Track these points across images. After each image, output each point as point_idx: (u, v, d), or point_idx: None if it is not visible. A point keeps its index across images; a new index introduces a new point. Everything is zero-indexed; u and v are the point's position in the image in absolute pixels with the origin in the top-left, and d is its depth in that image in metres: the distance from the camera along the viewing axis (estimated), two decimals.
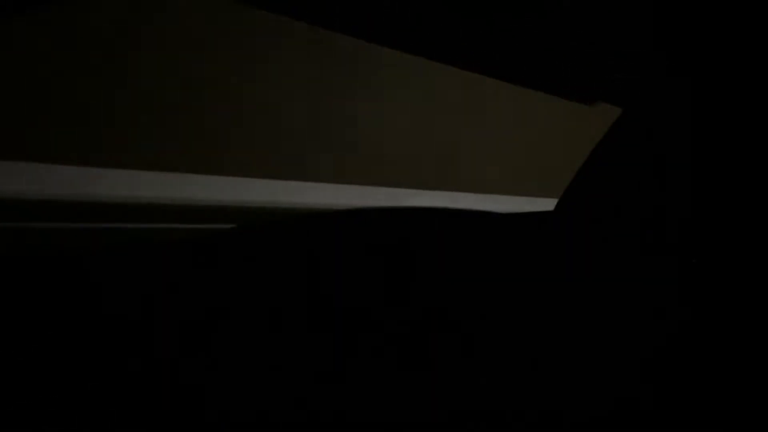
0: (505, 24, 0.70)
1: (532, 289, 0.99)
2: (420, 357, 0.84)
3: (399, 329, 0.82)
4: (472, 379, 0.89)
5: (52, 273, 0.61)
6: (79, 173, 1.26)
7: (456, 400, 0.86)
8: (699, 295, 0.95)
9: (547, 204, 1.11)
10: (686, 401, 0.83)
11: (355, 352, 0.77)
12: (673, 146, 1.03)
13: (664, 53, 0.82)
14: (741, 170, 0.97)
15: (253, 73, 1.49)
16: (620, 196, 1.08)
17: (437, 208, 0.97)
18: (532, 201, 1.93)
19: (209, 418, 0.65)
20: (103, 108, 1.30)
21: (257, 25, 1.40)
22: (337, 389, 0.74)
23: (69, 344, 0.59)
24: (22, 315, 0.57)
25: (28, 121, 1.23)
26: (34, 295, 0.58)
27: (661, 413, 0.81)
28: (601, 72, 0.86)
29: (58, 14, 1.17)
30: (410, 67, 1.61)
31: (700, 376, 0.86)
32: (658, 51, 0.81)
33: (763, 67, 0.84)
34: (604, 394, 0.89)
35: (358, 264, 0.81)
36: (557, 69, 0.84)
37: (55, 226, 1.18)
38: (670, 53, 0.82)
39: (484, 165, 2.04)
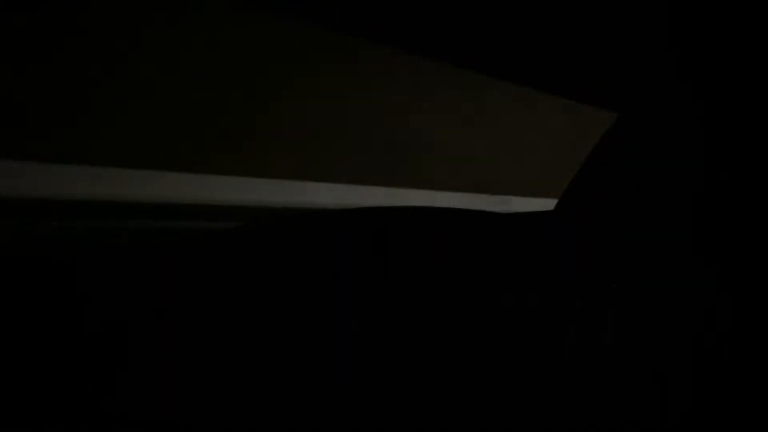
0: (505, 24, 0.70)
1: (532, 288, 0.99)
2: (415, 359, 0.84)
3: (395, 331, 0.82)
4: (469, 381, 0.89)
5: (51, 272, 0.61)
6: (78, 173, 1.26)
7: (452, 404, 0.86)
8: (702, 295, 0.94)
9: (547, 204, 1.11)
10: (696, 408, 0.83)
11: (353, 352, 0.77)
12: (673, 146, 1.03)
13: (665, 53, 0.82)
14: (741, 171, 0.97)
15: (253, 73, 1.49)
16: (620, 196, 1.08)
17: (437, 207, 0.97)
18: (532, 201, 1.93)
19: (208, 419, 0.65)
20: (103, 107, 1.30)
21: (255, 26, 1.40)
22: (334, 392, 0.74)
23: (66, 345, 0.59)
24: (18, 315, 0.57)
25: (28, 121, 1.23)
26: (31, 295, 0.58)
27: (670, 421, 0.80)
28: (602, 72, 0.86)
29: (59, 14, 1.17)
30: (410, 67, 1.61)
31: (711, 382, 0.86)
32: (659, 51, 0.81)
33: (763, 68, 0.84)
34: (605, 398, 0.89)
35: (357, 263, 0.81)
36: (557, 69, 0.84)
37: (55, 226, 1.18)
38: (670, 53, 0.82)
39: (484, 165, 2.04)
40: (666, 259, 1.01)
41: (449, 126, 1.94)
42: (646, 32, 0.75)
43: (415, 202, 1.80)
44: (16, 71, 1.17)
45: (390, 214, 0.93)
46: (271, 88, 1.52)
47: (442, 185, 1.92)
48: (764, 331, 0.88)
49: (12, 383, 0.53)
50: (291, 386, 0.71)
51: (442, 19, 0.64)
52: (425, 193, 1.88)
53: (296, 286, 0.75)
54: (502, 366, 0.94)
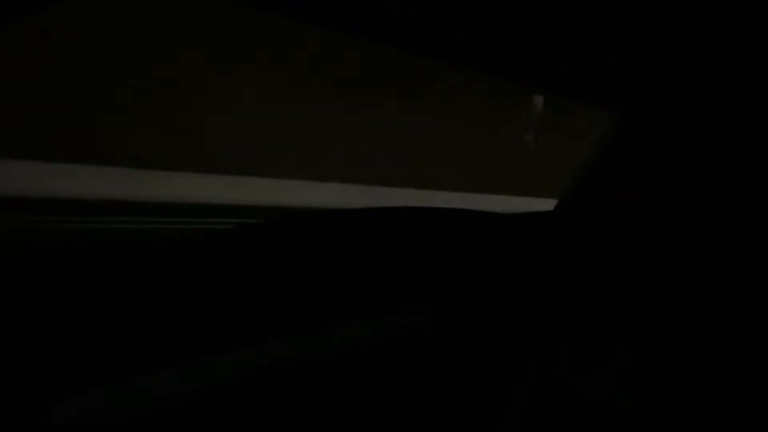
0: (505, 24, 0.70)
1: (532, 288, 0.99)
2: (417, 359, 0.84)
3: (396, 330, 0.82)
4: (470, 376, 0.89)
5: (50, 271, 0.61)
6: (78, 172, 1.26)
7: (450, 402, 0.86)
8: (694, 289, 0.94)
9: (547, 204, 1.11)
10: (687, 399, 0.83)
11: (351, 353, 0.77)
12: (673, 147, 1.03)
13: (665, 54, 0.82)
14: (740, 172, 0.97)
15: (251, 72, 1.49)
16: (620, 196, 1.08)
17: (437, 207, 0.97)
18: (532, 201, 1.92)
19: (205, 419, 0.65)
20: (102, 107, 1.30)
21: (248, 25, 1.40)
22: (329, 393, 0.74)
23: (66, 344, 0.59)
24: (18, 315, 0.57)
25: (28, 121, 1.23)
26: (30, 293, 0.58)
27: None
28: (601, 72, 0.86)
29: (58, 14, 1.17)
30: (409, 67, 1.61)
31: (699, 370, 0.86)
32: (659, 51, 0.81)
33: (763, 69, 0.84)
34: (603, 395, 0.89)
35: (357, 263, 0.81)
36: (557, 69, 0.84)
37: (55, 225, 1.18)
38: (670, 54, 0.82)
39: (484, 165, 2.04)
40: (665, 259, 1.01)
41: (449, 126, 1.94)
42: (646, 32, 0.75)
43: (414, 202, 1.80)
44: (16, 70, 1.17)
45: (390, 214, 0.93)
46: (276, 89, 1.52)
47: (443, 185, 1.92)
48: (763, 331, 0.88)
49: (12, 383, 0.53)
50: (285, 387, 0.72)
51: (441, 19, 0.64)
52: (425, 192, 1.88)
53: (296, 287, 0.75)
54: (501, 365, 0.94)
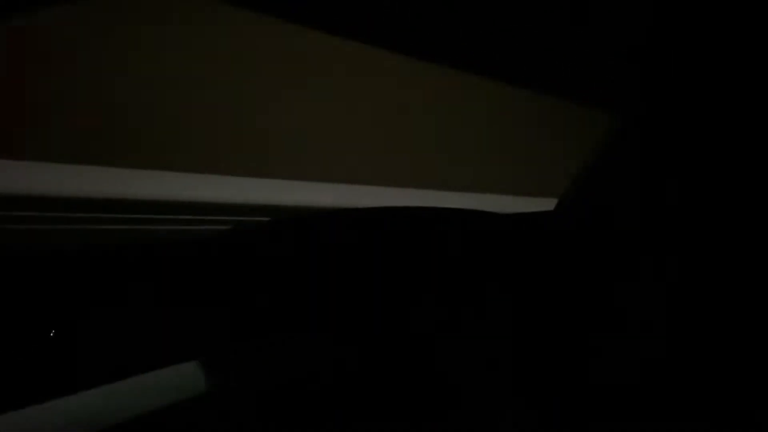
0: (505, 24, 0.70)
1: (533, 288, 0.99)
2: (421, 360, 0.84)
3: (396, 330, 0.82)
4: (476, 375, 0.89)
5: (50, 271, 0.61)
6: (77, 172, 1.26)
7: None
8: (698, 295, 0.94)
9: (547, 204, 1.11)
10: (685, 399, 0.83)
11: (351, 352, 0.77)
12: (673, 147, 1.03)
13: (665, 53, 0.82)
14: (740, 172, 0.97)
15: (250, 73, 1.49)
16: (621, 197, 1.08)
17: (438, 207, 0.97)
18: (532, 201, 1.92)
19: (202, 419, 0.65)
20: (101, 107, 1.30)
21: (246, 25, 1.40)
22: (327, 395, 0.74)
23: (65, 344, 0.59)
24: (18, 314, 0.57)
25: (28, 121, 1.23)
26: (31, 294, 0.58)
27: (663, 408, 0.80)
28: (601, 72, 0.86)
29: (58, 14, 1.17)
30: (407, 68, 1.61)
31: (696, 378, 0.86)
32: (659, 51, 0.81)
33: (762, 71, 0.84)
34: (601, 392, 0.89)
35: (356, 263, 0.81)
36: (557, 69, 0.84)
37: (55, 225, 1.18)
38: (670, 53, 0.82)
39: (484, 165, 2.04)
40: (665, 259, 1.01)
41: (449, 126, 1.94)
42: (645, 32, 0.75)
43: (414, 202, 1.80)
44: (16, 70, 1.17)
45: (390, 214, 0.93)
46: (264, 88, 1.52)
47: (443, 185, 1.92)
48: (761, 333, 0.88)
49: (13, 382, 0.53)
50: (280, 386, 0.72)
51: (440, 20, 0.64)
52: (425, 192, 1.88)
53: (296, 287, 0.75)
54: (501, 365, 0.94)
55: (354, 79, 1.67)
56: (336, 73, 1.63)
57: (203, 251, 0.72)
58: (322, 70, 1.59)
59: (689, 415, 0.87)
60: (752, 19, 0.73)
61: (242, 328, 0.69)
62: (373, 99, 1.72)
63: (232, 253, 0.74)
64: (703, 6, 0.70)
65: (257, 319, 0.70)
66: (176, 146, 1.41)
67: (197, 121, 1.43)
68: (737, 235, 0.96)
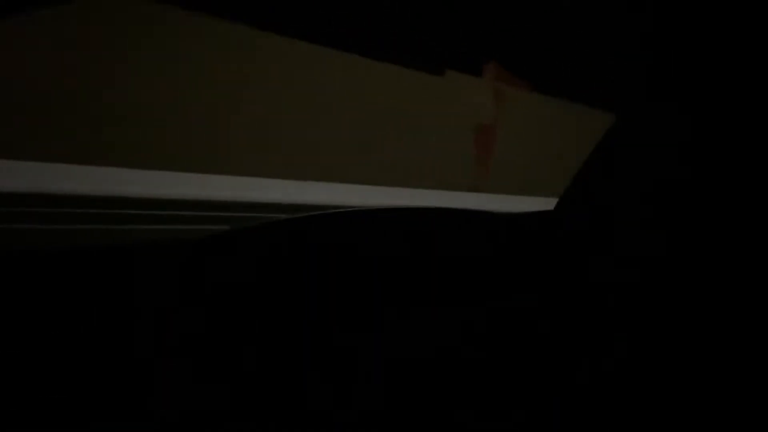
0: (504, 24, 0.70)
1: (533, 288, 0.99)
2: (419, 359, 0.84)
3: (397, 329, 0.82)
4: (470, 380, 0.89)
5: (50, 270, 0.61)
6: (76, 172, 1.26)
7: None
8: (699, 291, 0.94)
9: (547, 204, 1.11)
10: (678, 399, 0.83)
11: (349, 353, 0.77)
12: (673, 147, 1.03)
13: (665, 53, 0.82)
14: (741, 172, 0.97)
15: (249, 73, 1.49)
16: (620, 196, 1.08)
17: (438, 207, 0.97)
18: (532, 201, 1.92)
19: (200, 417, 0.65)
20: (101, 107, 1.30)
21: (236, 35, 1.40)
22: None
23: (65, 344, 0.59)
24: (18, 314, 0.57)
25: (28, 121, 1.23)
26: (31, 293, 0.58)
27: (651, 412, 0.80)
28: (601, 72, 0.86)
29: (58, 14, 1.17)
30: (407, 69, 1.61)
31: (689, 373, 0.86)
32: (659, 51, 0.81)
33: (762, 71, 0.84)
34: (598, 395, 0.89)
35: (356, 263, 0.81)
36: (557, 69, 0.84)
37: (56, 225, 1.18)
38: (670, 53, 0.82)
39: (484, 165, 2.04)
40: (665, 259, 1.01)
41: (449, 126, 1.94)
42: (645, 32, 0.75)
43: (414, 202, 1.80)
44: (16, 70, 1.17)
45: (390, 214, 0.93)
46: (264, 88, 1.52)
47: (443, 185, 1.92)
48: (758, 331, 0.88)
49: (13, 382, 0.53)
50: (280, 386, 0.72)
51: (440, 20, 0.64)
52: (425, 192, 1.88)
53: (297, 287, 0.75)
54: (502, 365, 0.94)
55: (354, 79, 1.67)
56: (336, 73, 1.63)
57: (200, 251, 0.72)
58: (321, 70, 1.60)
59: (688, 415, 0.87)
60: (752, 19, 0.73)
61: (242, 328, 0.69)
62: (373, 99, 1.72)
63: (231, 252, 0.74)
64: (703, 6, 0.70)
65: (255, 320, 0.70)
66: (176, 146, 1.41)
67: (197, 120, 1.43)
68: (737, 235, 0.95)
